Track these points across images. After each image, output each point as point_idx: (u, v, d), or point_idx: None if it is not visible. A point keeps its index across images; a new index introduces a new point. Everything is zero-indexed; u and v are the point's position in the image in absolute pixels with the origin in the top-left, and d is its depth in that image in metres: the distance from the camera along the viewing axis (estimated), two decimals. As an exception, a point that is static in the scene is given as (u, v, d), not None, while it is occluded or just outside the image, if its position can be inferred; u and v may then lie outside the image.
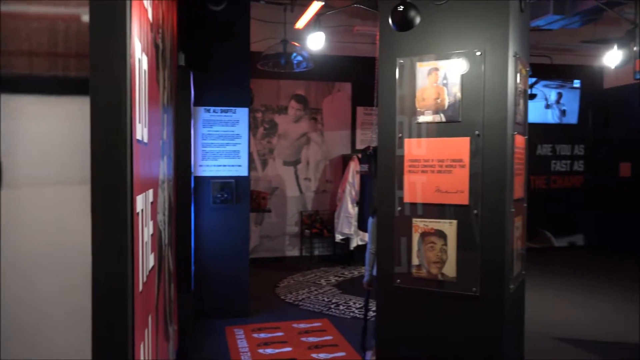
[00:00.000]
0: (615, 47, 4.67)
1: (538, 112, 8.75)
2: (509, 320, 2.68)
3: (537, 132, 8.87)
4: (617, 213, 8.78)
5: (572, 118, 8.90)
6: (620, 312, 5.49)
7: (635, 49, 4.51)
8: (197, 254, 4.82)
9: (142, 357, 1.57)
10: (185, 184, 4.06)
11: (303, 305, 5.64)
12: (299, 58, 6.10)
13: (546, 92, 8.75)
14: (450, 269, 2.66)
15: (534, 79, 8.39)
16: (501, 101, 2.55)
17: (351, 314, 5.35)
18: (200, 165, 5.10)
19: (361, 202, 7.01)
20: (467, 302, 2.64)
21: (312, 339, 4.54)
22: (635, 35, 4.53)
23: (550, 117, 8.88)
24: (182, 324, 3.73)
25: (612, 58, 5.56)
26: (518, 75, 2.70)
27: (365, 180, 6.69)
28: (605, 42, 6.22)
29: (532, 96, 8.29)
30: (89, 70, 1.22)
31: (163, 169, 2.56)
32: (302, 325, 4.92)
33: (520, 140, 2.80)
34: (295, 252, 8.04)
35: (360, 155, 7.74)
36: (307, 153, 8.12)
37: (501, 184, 2.56)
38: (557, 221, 9.07)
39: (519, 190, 2.80)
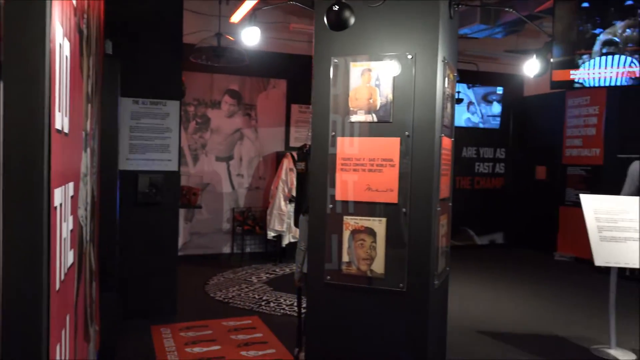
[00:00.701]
0: (534, 57, 4.99)
1: (465, 117, 9.16)
2: (434, 314, 2.79)
3: (463, 136, 9.30)
4: (533, 213, 9.39)
5: (495, 123, 9.40)
6: (534, 305, 5.87)
7: (551, 60, 4.83)
8: (122, 251, 4.62)
9: (58, 359, 1.49)
10: (110, 178, 3.88)
11: (233, 303, 5.57)
12: (234, 52, 6.01)
13: (472, 97, 9.18)
14: (378, 266, 2.73)
15: (470, 84, 8.79)
16: (430, 104, 2.65)
17: (282, 311, 5.35)
18: (128, 159, 4.90)
19: (300, 200, 7.02)
20: (394, 297, 2.72)
21: (241, 337, 4.50)
22: (551, 47, 4.85)
23: (476, 121, 9.32)
24: (105, 324, 3.57)
25: (531, 67, 5.93)
26: (446, 79, 2.81)
27: (302, 178, 6.70)
28: (525, 52, 6.63)
29: (459, 100, 8.67)
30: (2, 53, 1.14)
31: (86, 161, 2.43)
32: (232, 323, 4.86)
33: (447, 142, 2.92)
34: (226, 249, 7.93)
35: (294, 153, 7.77)
36: (241, 149, 8.03)
37: (428, 184, 2.66)
38: (479, 220, 9.55)
39: (445, 190, 2.92)
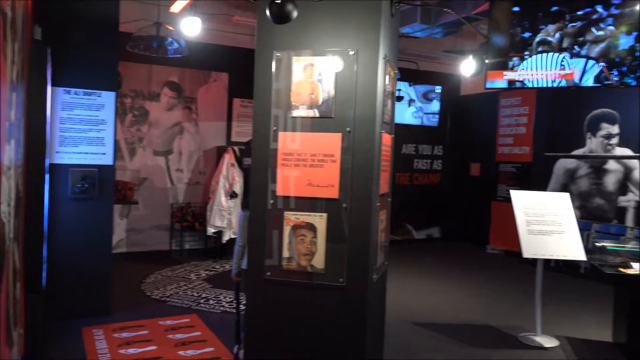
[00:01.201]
0: (471, 57, 5.17)
1: (405, 115, 9.38)
2: (372, 307, 2.84)
3: (403, 133, 9.52)
4: (468, 208, 9.78)
5: (433, 121, 9.69)
6: (468, 297, 6.11)
7: (486, 61, 5.02)
8: (51, 249, 4.38)
9: (-25, 366, 1.38)
10: (38, 172, 3.66)
11: (171, 301, 5.43)
12: (174, 43, 5.83)
13: (412, 94, 9.41)
14: (319, 261, 2.74)
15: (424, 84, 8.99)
16: (371, 100, 2.68)
17: (221, 308, 5.27)
18: (58, 152, 4.64)
19: (247, 196, 6.94)
20: (334, 292, 2.74)
21: (179, 336, 4.39)
22: (486, 48, 5.04)
23: (416, 119, 9.57)
24: (30, 326, 3.37)
25: (467, 67, 6.15)
26: (387, 76, 2.85)
27: (248, 173, 6.63)
28: (463, 52, 6.87)
29: (400, 98, 8.86)
30: None
31: (9, 153, 2.28)
32: (169, 322, 4.74)
33: (387, 139, 2.97)
34: (164, 246, 7.70)
35: (236, 148, 7.66)
36: (180, 143, 7.82)
37: (369, 179, 2.69)
38: (417, 215, 9.83)
39: (384, 185, 2.97)
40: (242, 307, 3.78)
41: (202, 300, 5.50)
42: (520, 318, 5.25)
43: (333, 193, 2.71)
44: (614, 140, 7.44)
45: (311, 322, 2.80)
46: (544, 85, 5.08)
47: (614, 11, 5.03)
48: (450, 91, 9.95)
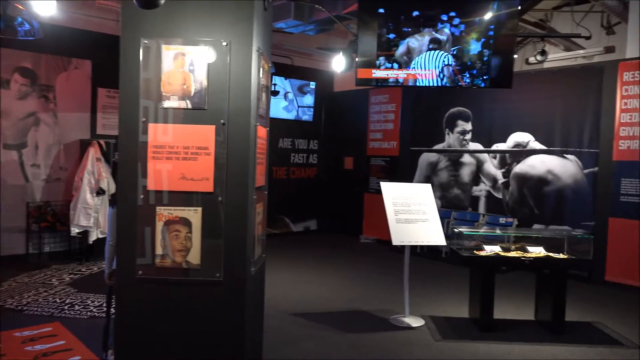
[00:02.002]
0: (341, 54, 5.36)
1: (281, 109, 9.46)
2: (250, 301, 2.83)
3: (280, 127, 9.61)
4: (342, 200, 10.18)
5: (308, 116, 9.91)
6: (343, 285, 6.37)
7: (356, 59, 5.25)
8: None
9: None
10: None
11: (29, 310, 4.91)
12: (25, 24, 5.24)
13: (288, 89, 9.52)
14: (194, 257, 2.67)
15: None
16: (245, 93, 2.66)
17: (89, 313, 4.90)
18: None
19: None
20: (211, 287, 2.69)
21: (39, 347, 4.00)
22: (356, 46, 5.27)
23: (292, 113, 9.70)
24: None
25: (338, 64, 6.39)
26: (261, 69, 2.85)
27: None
28: (335, 50, 7.10)
29: (275, 92, 8.93)
30: None
31: None
32: (27, 333, 4.29)
33: (262, 132, 2.97)
34: (19, 250, 6.93)
35: (102, 141, 7.13)
36: (36, 136, 7.07)
37: (244, 172, 2.67)
38: (295, 208, 10.01)
39: (260, 178, 2.97)
40: (113, 310, 3.56)
41: (66, 307, 5.06)
42: (390, 302, 5.60)
43: (208, 187, 2.65)
44: (468, 136, 8.24)
45: (188, 320, 2.72)
46: (412, 85, 5.46)
47: (465, 19, 5.55)
48: (324, 87, 10.25)
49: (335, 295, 5.88)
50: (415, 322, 4.96)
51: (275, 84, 8.97)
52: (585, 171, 6.88)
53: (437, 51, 5.55)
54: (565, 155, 7.09)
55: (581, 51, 8.60)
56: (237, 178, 2.67)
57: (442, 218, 7.85)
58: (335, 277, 6.78)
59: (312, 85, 9.79)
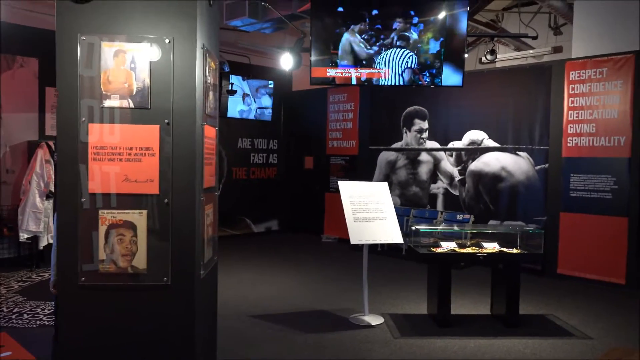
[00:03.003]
0: (288, 52, 5.33)
1: (239, 109, 9.34)
2: (201, 305, 2.76)
3: (239, 127, 9.50)
4: (303, 200, 10.15)
5: (267, 116, 9.83)
6: (303, 285, 6.34)
7: (311, 58, 5.23)
8: None
9: None
10: None
11: (-30, 322, 4.68)
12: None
13: (246, 89, 9.41)
14: (140, 261, 2.57)
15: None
16: (190, 91, 2.58)
17: (38, 322, 4.70)
18: None
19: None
20: (158, 292, 2.60)
21: (-20, 360, 3.80)
22: (302, 44, 5.24)
23: (251, 113, 9.59)
24: None
25: (286, 62, 6.35)
26: (207, 67, 2.78)
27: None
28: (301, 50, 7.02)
29: (233, 92, 8.81)
30: None
31: None
32: (-32, 346, 4.07)
33: (210, 131, 2.89)
34: (-38, 259, 6.60)
35: (51, 143, 6.86)
36: (-21, 138, 6.74)
37: (191, 173, 2.60)
38: (255, 209, 9.91)
39: (209, 179, 2.90)
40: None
41: (13, 316, 4.84)
42: (351, 300, 5.60)
43: (153, 188, 2.56)
44: (425, 135, 8.35)
45: (135, 327, 2.62)
46: (368, 84, 5.48)
47: (423, 18, 5.61)
48: (282, 86, 10.18)
49: (295, 296, 5.84)
50: (375, 320, 4.97)
51: (232, 83, 8.84)
52: (537, 168, 7.08)
53: (401, 49, 5.59)
54: (517, 152, 7.28)
55: (531, 51, 8.87)
56: (183, 179, 2.59)
57: (401, 216, 7.98)
58: (296, 277, 6.73)
59: (271, 84, 9.71)
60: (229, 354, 4.03)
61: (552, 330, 4.80)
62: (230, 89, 8.75)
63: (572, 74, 6.68)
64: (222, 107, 9.05)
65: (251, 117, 9.59)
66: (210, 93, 2.89)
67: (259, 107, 9.68)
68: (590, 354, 4.18)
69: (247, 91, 9.41)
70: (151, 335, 2.63)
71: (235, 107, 9.24)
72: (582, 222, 6.57)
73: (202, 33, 2.65)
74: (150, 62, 2.55)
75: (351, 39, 5.34)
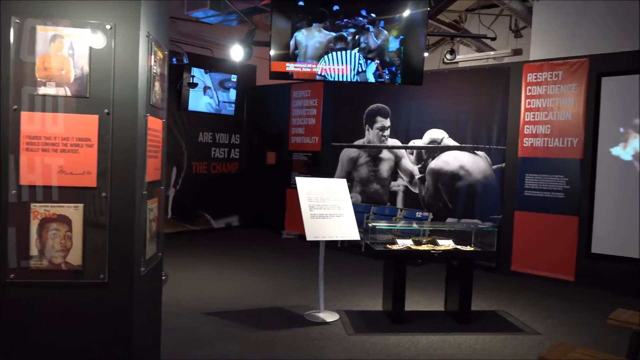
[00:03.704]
0: (238, 44, 5.23)
1: (201, 102, 9.17)
2: (141, 303, 2.66)
3: (200, 121, 9.32)
4: (265, 196, 10.06)
5: (230, 110, 9.68)
6: (261, 281, 6.27)
7: (271, 52, 5.15)
8: None
9: None
10: None
11: None
12: None
13: (209, 82, 9.24)
14: (75, 257, 2.45)
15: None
16: (132, 81, 2.48)
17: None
18: None
19: None
20: (94, 290, 2.49)
21: None
22: (252, 36, 5.16)
23: (212, 107, 9.42)
24: None
25: (236, 54, 6.26)
26: (153, 56, 2.68)
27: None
28: (257, 43, 6.88)
29: (194, 85, 8.63)
30: None
31: None
32: None
33: (155, 123, 2.79)
34: None
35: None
36: None
37: (131, 166, 2.49)
38: (216, 204, 9.76)
39: (154, 173, 2.80)
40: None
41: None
42: (307, 297, 5.57)
43: (90, 181, 2.45)
44: (387, 132, 8.39)
45: (69, 326, 2.50)
46: (347, 80, 5.43)
47: (384, 16, 5.61)
48: (246, 80, 10.05)
49: (252, 293, 5.76)
50: (330, 317, 4.95)
51: (193, 76, 8.66)
52: (494, 167, 7.20)
53: (361, 47, 5.57)
54: (476, 151, 7.39)
55: (492, 52, 9.03)
56: (123, 172, 2.48)
57: (362, 213, 8.00)
58: (254, 273, 6.66)
59: (234, 78, 9.56)
60: (177, 353, 3.93)
61: (503, 326, 4.89)
62: (191, 82, 8.57)
63: (530, 76, 6.82)
64: (183, 101, 8.87)
65: (213, 111, 9.43)
66: (157, 83, 2.78)
67: (221, 101, 9.52)
68: (537, 350, 4.27)
69: (210, 84, 9.24)
70: (86, 335, 2.52)
71: (197, 101, 9.06)
72: (536, 220, 6.73)
73: (147, 20, 2.55)
74: (90, 48, 2.43)
75: (311, 34, 5.29)
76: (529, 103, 6.82)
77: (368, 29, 5.69)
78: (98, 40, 2.44)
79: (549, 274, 6.62)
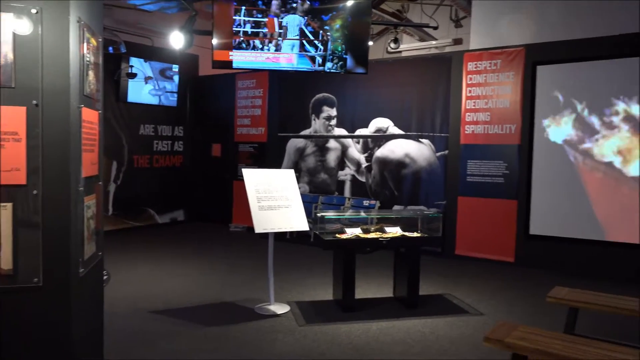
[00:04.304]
0: (177, 31, 5.07)
1: (141, 93, 8.82)
2: (80, 306, 2.52)
3: (140, 113, 8.98)
4: (211, 188, 9.86)
5: (172, 101, 9.37)
6: (209, 276, 6.14)
7: (213, 40, 5.00)
8: None
9: None
10: None
11: None
12: None
13: (149, 72, 8.89)
14: (5, 261, 2.28)
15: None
16: (63, 70, 2.32)
17: None
18: None
19: None
20: (28, 294, 2.33)
21: None
22: (192, 23, 5.01)
23: (154, 98, 9.09)
24: None
25: (176, 41, 6.07)
26: (86, 44, 2.51)
27: None
28: (200, 32, 6.65)
29: (132, 75, 8.29)
30: None
31: None
32: None
33: (90, 115, 2.63)
34: None
35: None
36: None
37: (64, 161, 2.34)
38: (160, 199, 9.46)
39: (91, 167, 2.65)
40: None
41: None
42: (257, 290, 5.50)
43: (19, 178, 2.28)
44: (334, 122, 8.40)
45: (2, 335, 2.33)
46: (267, 68, 5.35)
47: (327, 5, 5.57)
48: (188, 70, 9.76)
49: (201, 288, 5.63)
50: (281, 309, 4.92)
51: (132, 66, 8.32)
52: (438, 154, 7.37)
53: (305, 34, 5.50)
54: (420, 139, 7.53)
55: (434, 42, 9.20)
56: (56, 168, 2.33)
57: (310, 203, 7.99)
58: (202, 268, 6.51)
59: (175, 68, 9.26)
60: (122, 354, 3.78)
61: (449, 308, 5.03)
62: (130, 72, 8.22)
63: (470, 64, 7.00)
64: (122, 92, 8.50)
65: (155, 102, 9.10)
66: (91, 72, 2.62)
67: (163, 92, 9.20)
68: (482, 330, 4.42)
69: (150, 74, 8.91)
70: (22, 342, 2.36)
71: (137, 92, 8.71)
72: (477, 205, 6.96)
73: (78, 5, 2.38)
74: (14, 34, 2.25)
75: (254, 22, 5.18)
76: (470, 91, 7.02)
77: (312, 17, 5.63)
78: (23, 25, 2.26)
79: (490, 256, 6.88)
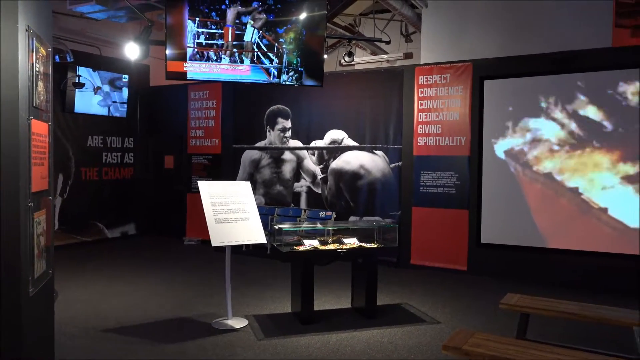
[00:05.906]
0: (133, 42, 4.98)
1: (90, 104, 8.53)
2: (31, 326, 2.39)
3: (88, 124, 8.69)
4: (164, 201, 9.62)
5: (122, 111, 9.11)
6: (163, 292, 5.97)
7: (167, 51, 4.92)
8: None
9: None
10: None
11: None
12: None
13: (97, 82, 8.62)
14: (-54, 282, 2.15)
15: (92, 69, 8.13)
16: (11, 80, 2.22)
17: None
18: None
19: None
20: (-28, 317, 2.20)
21: None
22: (148, 33, 4.94)
23: (102, 109, 8.81)
24: None
25: (131, 52, 5.96)
26: (35, 53, 2.42)
27: None
28: (153, 42, 6.52)
29: (80, 85, 8.03)
30: None
31: None
32: None
33: (40, 127, 2.53)
34: None
35: None
36: None
37: (13, 176, 2.23)
38: (109, 212, 9.15)
39: (40, 182, 2.54)
40: None
41: None
42: (214, 305, 5.40)
43: (-37, 194, 2.15)
44: (288, 134, 8.41)
45: (-58, 360, 2.18)
46: (225, 80, 5.31)
47: (282, 17, 5.59)
48: (139, 81, 9.53)
49: (155, 304, 5.46)
50: (239, 323, 4.84)
51: (79, 76, 8.04)
52: (392, 165, 7.51)
53: (260, 46, 5.49)
54: (374, 151, 7.65)
55: (385, 56, 9.41)
56: (4, 183, 2.21)
57: (266, 215, 7.93)
58: (155, 284, 6.32)
59: (125, 78, 9.02)
60: (73, 376, 3.62)
61: (407, 318, 5.11)
62: (77, 81, 7.95)
63: (421, 78, 7.20)
64: (69, 102, 8.20)
65: (104, 113, 8.82)
66: (40, 83, 2.52)
67: (112, 103, 8.94)
68: (439, 338, 4.51)
69: (99, 84, 8.64)
70: (-35, 368, 2.22)
71: (85, 102, 8.42)
72: (431, 215, 7.13)
73: (27, 13, 2.30)
74: (-42, 43, 2.14)
75: (208, 33, 5.13)
76: (422, 104, 7.21)
77: (267, 30, 5.64)
78: (-32, 34, 2.15)
79: (444, 265, 7.04)
